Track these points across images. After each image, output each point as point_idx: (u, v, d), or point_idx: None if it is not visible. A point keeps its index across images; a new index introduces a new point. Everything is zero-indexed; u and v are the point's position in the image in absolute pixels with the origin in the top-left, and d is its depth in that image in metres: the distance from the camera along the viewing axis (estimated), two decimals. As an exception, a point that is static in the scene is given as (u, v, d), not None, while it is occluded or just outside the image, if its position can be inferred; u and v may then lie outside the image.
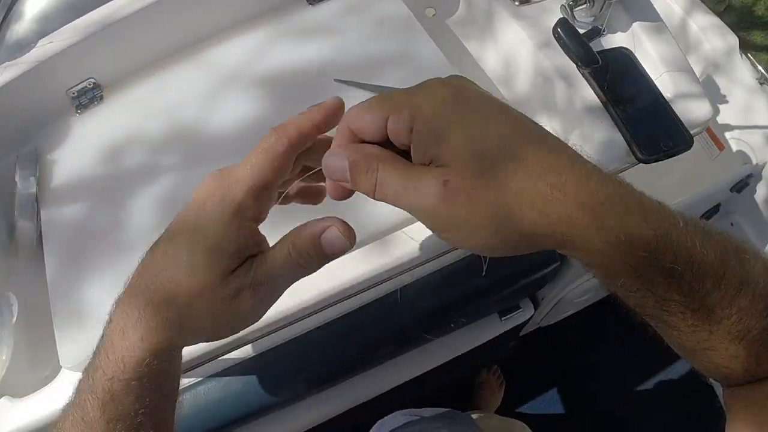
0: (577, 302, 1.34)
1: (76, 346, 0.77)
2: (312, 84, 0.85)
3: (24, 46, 0.90)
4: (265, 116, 0.84)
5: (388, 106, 0.36)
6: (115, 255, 0.80)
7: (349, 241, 0.39)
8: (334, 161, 0.38)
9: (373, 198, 0.37)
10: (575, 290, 1.21)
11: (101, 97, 0.91)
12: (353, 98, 0.79)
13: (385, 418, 1.02)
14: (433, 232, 0.37)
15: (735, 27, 1.40)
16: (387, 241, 0.75)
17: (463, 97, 0.36)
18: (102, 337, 0.43)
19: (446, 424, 0.98)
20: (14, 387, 0.82)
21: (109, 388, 0.41)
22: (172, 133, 0.86)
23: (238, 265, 0.39)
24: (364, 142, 0.39)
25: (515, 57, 0.90)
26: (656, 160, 0.82)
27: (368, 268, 0.74)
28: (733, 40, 1.30)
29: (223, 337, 0.42)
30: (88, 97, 0.90)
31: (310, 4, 0.91)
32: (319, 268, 0.40)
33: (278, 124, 0.40)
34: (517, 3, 0.92)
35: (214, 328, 0.41)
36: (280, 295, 0.41)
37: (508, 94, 0.91)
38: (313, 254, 0.39)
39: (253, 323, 0.41)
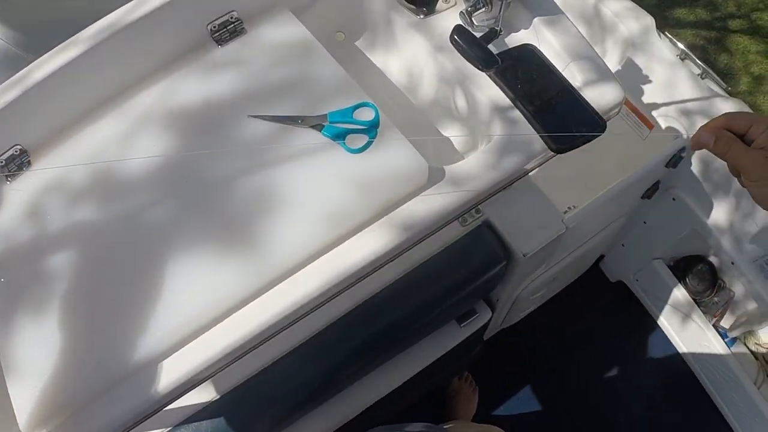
0: (534, 299, 1.35)
1: (32, 406, 0.74)
2: (226, 118, 0.85)
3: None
4: (181, 155, 0.85)
5: (754, 119, 0.61)
6: (46, 311, 0.79)
7: None
8: (704, 135, 0.62)
9: (723, 158, 0.62)
10: (528, 288, 1.22)
11: (29, 162, 0.90)
12: (263, 131, 0.81)
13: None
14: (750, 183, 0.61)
15: (657, 6, 1.43)
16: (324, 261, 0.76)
17: None
18: None
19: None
20: None
21: None
22: (94, 186, 0.86)
23: None
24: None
25: (420, 67, 0.92)
26: (571, 148, 0.84)
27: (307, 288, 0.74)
28: (649, 20, 1.33)
29: None
30: (17, 163, 0.90)
31: (219, 45, 0.92)
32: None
33: None
34: (421, 16, 0.94)
35: None
36: None
37: (417, 101, 0.92)
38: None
39: None
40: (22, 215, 0.88)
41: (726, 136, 0.63)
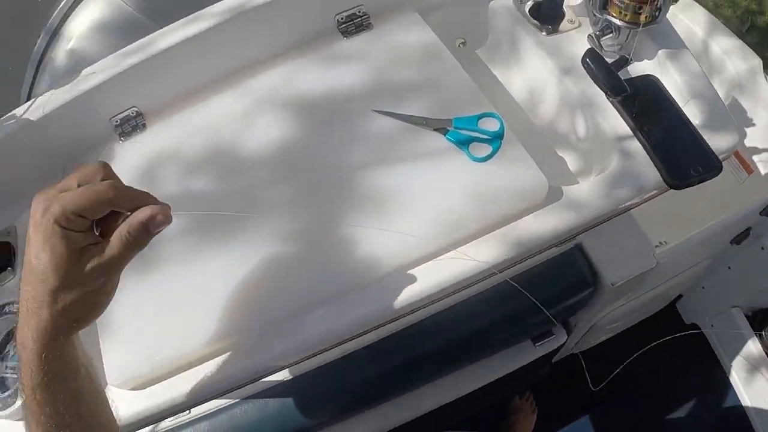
0: (609, 329, 1.34)
1: (121, 363, 0.77)
2: (349, 110, 0.86)
3: (67, 75, 0.93)
4: (303, 141, 0.86)
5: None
6: (151, 274, 0.81)
7: (167, 219, 0.55)
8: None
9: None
10: (607, 317, 1.20)
11: (144, 125, 0.93)
12: (387, 127, 0.81)
13: None
14: None
15: (759, 47, 1.40)
16: (428, 267, 0.76)
17: None
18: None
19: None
20: None
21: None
22: (210, 159, 0.88)
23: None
24: None
25: (542, 85, 0.91)
26: (687, 186, 0.83)
27: (408, 294, 0.75)
28: (756, 62, 1.30)
29: (94, 316, 0.57)
30: (131, 125, 0.93)
31: (345, 37, 0.93)
32: (146, 244, 0.55)
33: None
34: (544, 33, 0.93)
35: (83, 309, 0.55)
36: (122, 270, 0.55)
37: (537, 120, 0.92)
38: (144, 235, 0.54)
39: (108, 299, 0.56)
40: (129, 174, 0.90)
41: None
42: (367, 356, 0.97)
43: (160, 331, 0.77)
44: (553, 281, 1.00)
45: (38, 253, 0.51)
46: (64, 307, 0.53)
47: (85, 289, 0.53)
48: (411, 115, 0.83)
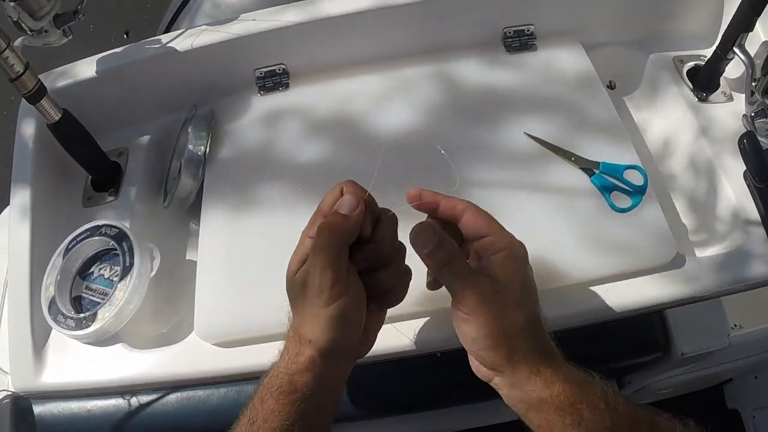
0: (658, 393, 1.35)
1: (208, 316, 0.80)
2: (499, 124, 0.87)
3: (222, 17, 0.94)
4: (445, 140, 0.87)
5: (498, 232, 0.56)
6: (268, 238, 0.83)
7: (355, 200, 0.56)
8: (430, 233, 0.55)
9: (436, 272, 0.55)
10: (661, 383, 1.22)
11: (287, 85, 0.94)
12: (534, 152, 0.82)
13: None
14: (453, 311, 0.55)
15: None
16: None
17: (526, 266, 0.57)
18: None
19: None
20: (131, 336, 0.86)
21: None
22: (344, 135, 0.89)
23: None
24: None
25: (677, 139, 0.92)
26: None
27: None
28: None
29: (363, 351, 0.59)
30: (274, 81, 0.94)
31: (507, 51, 0.93)
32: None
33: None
34: (696, 99, 0.93)
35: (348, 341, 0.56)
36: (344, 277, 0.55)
37: (674, 187, 0.92)
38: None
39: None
40: (260, 129, 0.91)
41: (449, 247, 0.54)
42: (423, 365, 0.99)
43: (262, 299, 0.79)
44: (625, 336, 1.02)
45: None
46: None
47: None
48: (563, 148, 0.84)
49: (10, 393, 1.15)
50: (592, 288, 0.79)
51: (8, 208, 0.92)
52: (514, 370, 0.53)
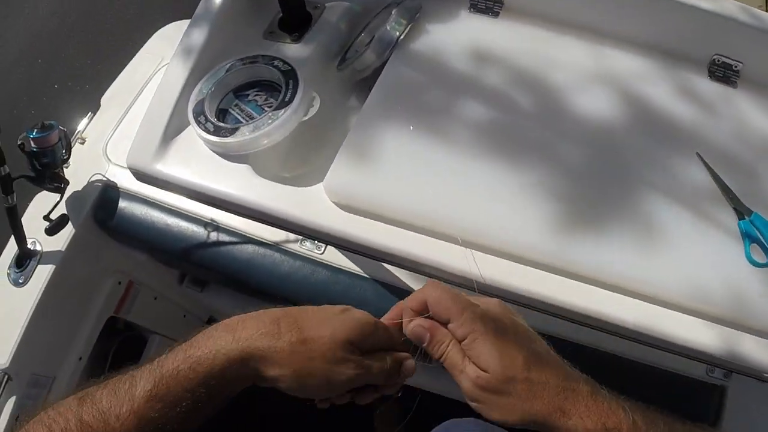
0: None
1: (342, 175, 0.83)
2: (673, 136, 0.88)
3: None
4: (614, 128, 0.88)
5: (456, 315, 0.54)
6: (422, 138, 0.85)
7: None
8: (420, 332, 0.57)
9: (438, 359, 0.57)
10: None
11: (497, 13, 0.96)
12: (694, 173, 0.82)
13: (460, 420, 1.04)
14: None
15: None
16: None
17: (505, 333, 0.55)
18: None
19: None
20: (255, 164, 0.88)
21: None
22: (531, 77, 0.90)
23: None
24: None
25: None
26: None
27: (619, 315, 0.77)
28: None
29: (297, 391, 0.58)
30: (487, 4, 0.96)
31: (708, 77, 0.94)
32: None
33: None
34: None
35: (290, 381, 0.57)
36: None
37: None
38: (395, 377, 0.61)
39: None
40: (455, 44, 0.94)
41: (441, 336, 0.56)
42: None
43: (395, 183, 0.82)
44: (677, 396, 1.02)
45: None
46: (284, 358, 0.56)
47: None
48: (723, 180, 0.84)
49: (104, 179, 1.20)
50: (695, 318, 0.79)
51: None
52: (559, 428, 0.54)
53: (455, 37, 0.94)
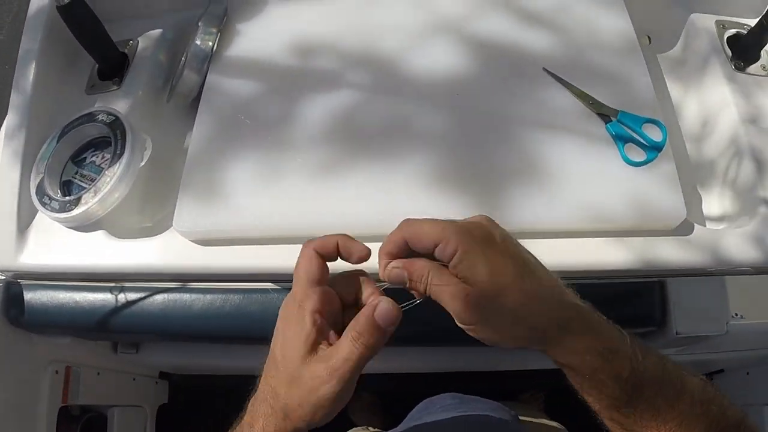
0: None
1: (192, 213, 0.78)
2: (517, 62, 0.83)
3: None
4: (462, 75, 0.83)
5: (440, 235, 0.47)
6: (263, 146, 0.80)
7: (397, 311, 0.48)
8: (397, 273, 0.50)
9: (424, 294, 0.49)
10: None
11: (304, -8, 0.90)
12: (552, 92, 0.77)
13: (434, 397, 1.01)
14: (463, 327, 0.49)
15: None
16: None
17: (494, 244, 0.49)
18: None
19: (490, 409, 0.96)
20: (114, 225, 0.84)
21: None
22: (362, 52, 0.85)
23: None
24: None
25: (713, 118, 0.87)
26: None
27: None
28: None
29: (322, 421, 0.49)
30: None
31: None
32: (382, 344, 0.48)
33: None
34: (733, 67, 0.88)
35: (311, 413, 0.49)
36: (357, 377, 0.48)
37: (694, 153, 0.87)
38: (372, 331, 0.47)
39: (340, 407, 0.49)
40: (274, 36, 0.89)
41: (419, 268, 0.49)
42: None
43: (243, 201, 0.77)
44: (622, 304, 0.98)
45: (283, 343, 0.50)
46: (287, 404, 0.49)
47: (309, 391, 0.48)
48: (580, 88, 0.79)
49: (2, 278, 1.15)
50: (590, 239, 0.75)
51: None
52: (556, 345, 0.48)
53: (270, 30, 0.89)
